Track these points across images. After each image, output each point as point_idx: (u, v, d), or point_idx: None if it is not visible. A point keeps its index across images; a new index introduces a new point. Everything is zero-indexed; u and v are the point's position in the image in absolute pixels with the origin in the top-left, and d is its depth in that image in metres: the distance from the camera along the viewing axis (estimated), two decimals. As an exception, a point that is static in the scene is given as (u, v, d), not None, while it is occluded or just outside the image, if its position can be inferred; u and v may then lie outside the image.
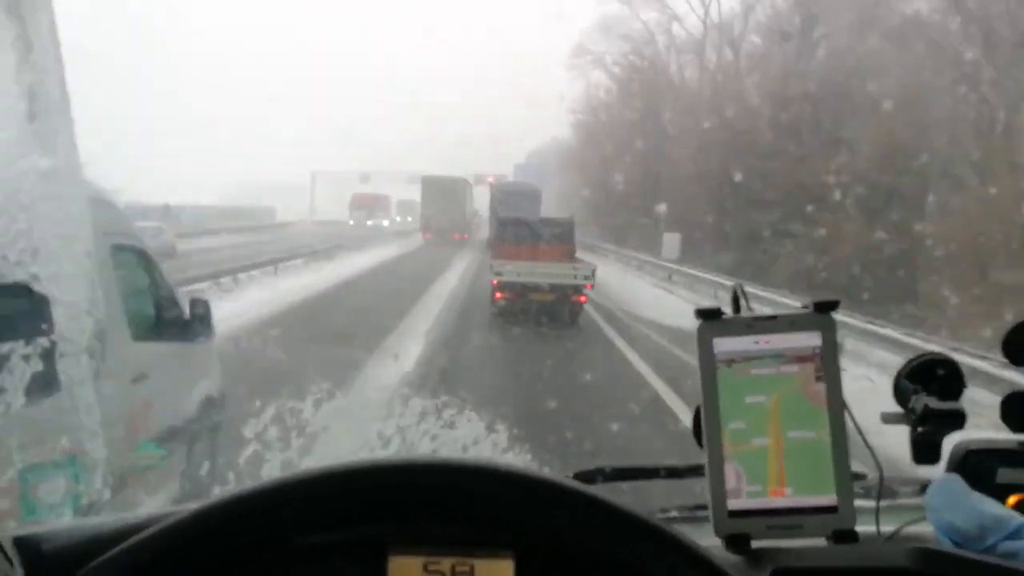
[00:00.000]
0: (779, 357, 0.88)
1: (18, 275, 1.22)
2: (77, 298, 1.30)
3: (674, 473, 1.41)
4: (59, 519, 1.38)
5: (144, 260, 4.08)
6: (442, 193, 41.99)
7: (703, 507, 0.88)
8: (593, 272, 15.69)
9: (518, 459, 1.46)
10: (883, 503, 1.07)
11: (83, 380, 1.39)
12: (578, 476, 1.39)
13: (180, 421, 3.52)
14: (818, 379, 0.88)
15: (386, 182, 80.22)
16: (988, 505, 0.77)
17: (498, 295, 15.65)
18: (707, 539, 0.85)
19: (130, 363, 3.12)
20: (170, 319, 4.04)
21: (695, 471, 1.25)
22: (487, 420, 1.31)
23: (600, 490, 0.80)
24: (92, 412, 1.42)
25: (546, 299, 15.36)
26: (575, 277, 15.55)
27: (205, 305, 4.39)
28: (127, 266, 3.78)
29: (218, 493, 0.70)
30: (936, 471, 0.95)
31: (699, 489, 0.88)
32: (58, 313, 1.26)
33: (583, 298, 15.69)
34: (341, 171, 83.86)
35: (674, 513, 1.32)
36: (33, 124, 1.24)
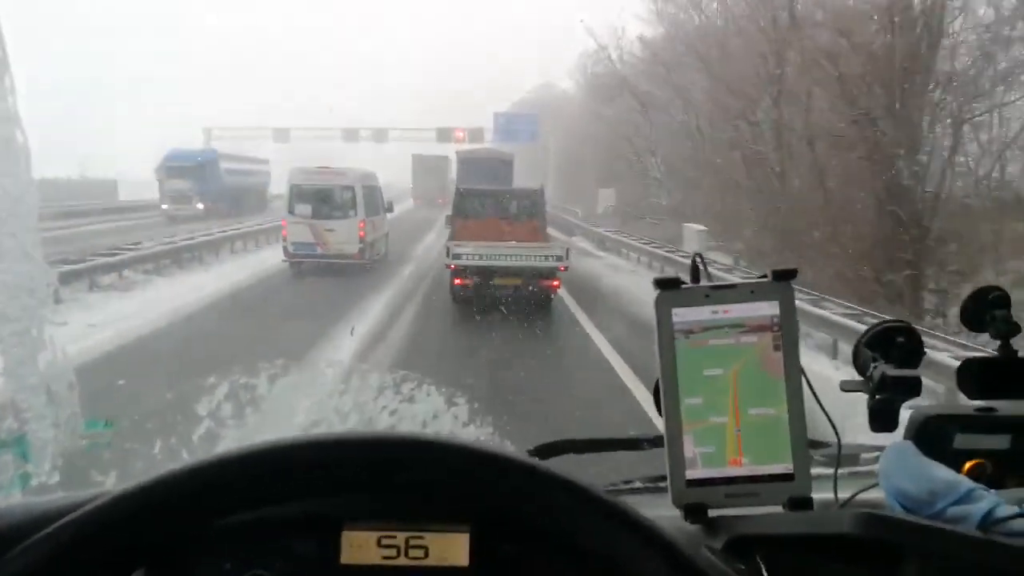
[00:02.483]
0: (738, 327, 0.88)
1: None
2: (17, 277, 1.25)
3: (634, 445, 1.42)
4: (7, 498, 1.34)
5: (380, 191, 21.30)
6: (427, 168, 52.36)
7: (664, 478, 0.89)
8: (567, 252, 14.22)
9: (478, 432, 1.46)
10: (844, 470, 1.09)
11: (26, 360, 1.35)
12: (539, 449, 1.39)
13: (382, 233, 20.56)
14: (776, 348, 0.89)
15: (313, 141, 62.24)
16: (938, 470, 0.78)
17: (457, 280, 13.94)
18: (668, 509, 0.86)
19: (384, 217, 20.75)
20: (383, 206, 20.89)
21: (655, 442, 1.26)
22: (447, 395, 1.31)
23: (560, 463, 0.80)
24: (38, 392, 1.39)
25: (513, 284, 13.85)
26: (546, 259, 13.99)
27: (390, 203, 21.96)
28: (378, 193, 20.80)
29: (167, 467, 0.69)
30: (895, 439, 0.96)
31: (663, 459, 0.89)
32: (-3, 291, 1.22)
33: (556, 283, 14.13)
34: (247, 128, 65.09)
35: (637, 484, 1.33)
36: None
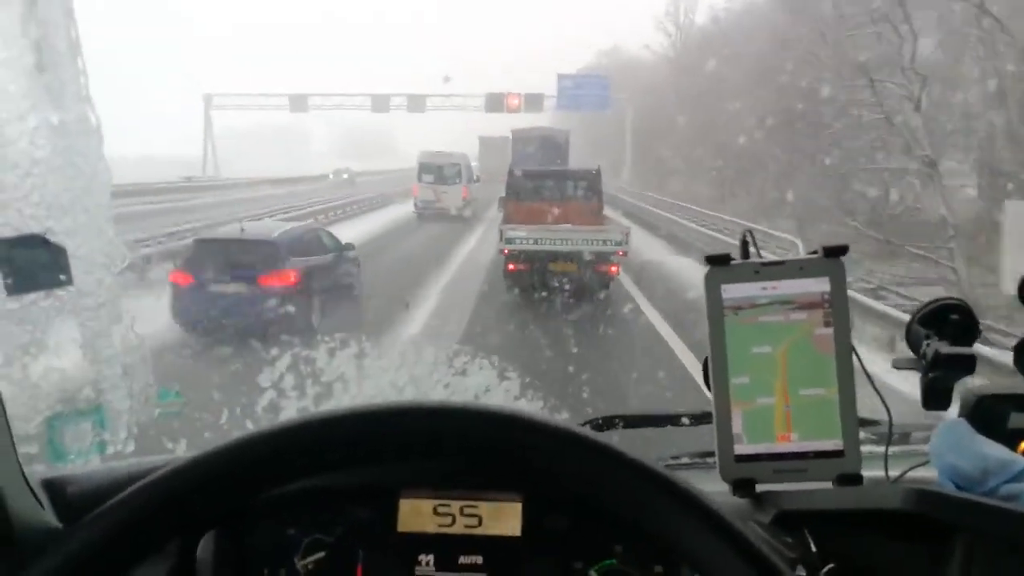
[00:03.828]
0: (788, 303, 0.88)
1: (33, 229, 1.25)
2: (93, 252, 1.33)
3: (684, 420, 1.42)
4: (86, 464, 1.42)
5: (471, 168, 33.58)
6: (492, 149, 53.61)
7: (713, 453, 0.89)
8: (627, 236, 13.50)
9: (530, 406, 1.49)
10: (895, 448, 1.08)
11: (102, 333, 1.43)
12: (589, 424, 1.41)
13: (472, 196, 31.25)
14: (826, 325, 0.88)
15: (334, 111, 57.96)
16: (992, 448, 0.77)
17: (511, 266, 13.42)
18: (715, 484, 0.87)
19: (471, 186, 31.60)
20: (472, 178, 32.34)
21: (704, 418, 1.26)
22: (499, 368, 1.35)
23: (609, 438, 0.82)
24: (113, 364, 1.46)
25: (569, 270, 13.13)
26: (604, 243, 13.29)
27: (478, 176, 34.00)
28: (471, 169, 33.32)
29: (234, 435, 0.72)
30: (949, 417, 0.95)
31: (712, 435, 0.89)
32: (75, 266, 1.29)
33: (615, 268, 13.44)
34: (257, 95, 58.24)
35: (685, 459, 1.34)
36: (42, 77, 1.25)
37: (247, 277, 10.78)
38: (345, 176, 54.22)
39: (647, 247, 21.09)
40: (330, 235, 13.19)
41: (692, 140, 35.60)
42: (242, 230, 12.10)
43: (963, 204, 18.37)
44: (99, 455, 1.49)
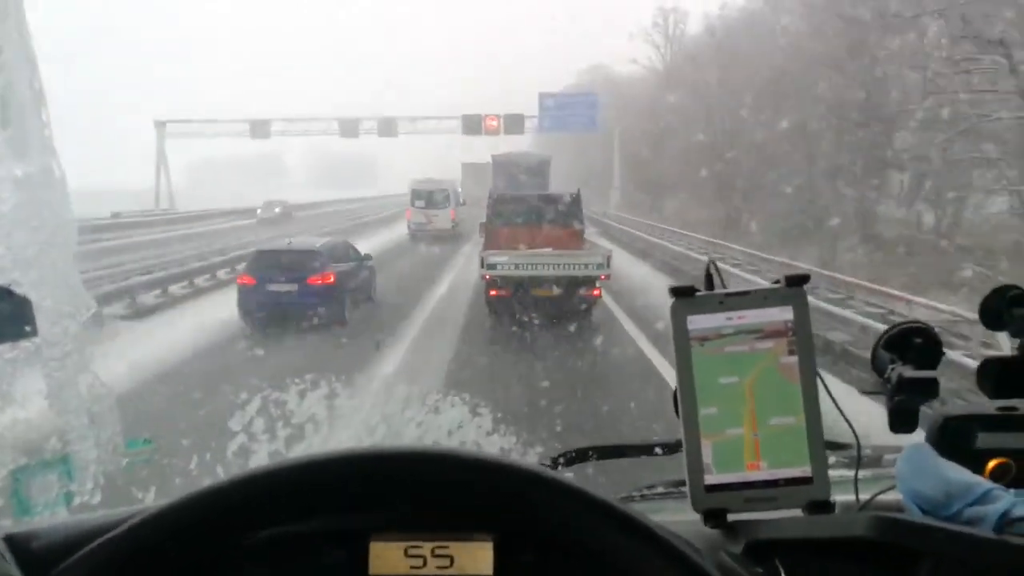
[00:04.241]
0: (753, 332, 0.89)
1: None
2: (59, 303, 1.32)
3: (654, 450, 1.43)
4: (52, 517, 1.40)
5: (459, 193, 37.31)
6: (474, 174, 55.52)
7: (685, 482, 0.90)
8: (608, 259, 13.41)
9: (502, 441, 1.49)
10: (866, 472, 1.09)
11: (68, 382, 1.41)
12: (562, 455, 1.41)
13: (460, 218, 33.40)
14: (791, 352, 0.89)
15: (300, 136, 53.90)
16: (954, 472, 0.78)
17: (492, 292, 13.43)
18: (690, 513, 0.87)
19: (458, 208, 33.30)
20: (459, 202, 35.91)
21: (677, 448, 1.27)
22: (471, 405, 1.35)
23: (583, 470, 0.82)
24: (80, 413, 1.45)
25: (551, 295, 13.12)
26: (586, 267, 13.25)
27: (464, 200, 37.02)
28: (458, 194, 36.59)
29: (203, 484, 0.72)
30: (917, 440, 0.97)
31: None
32: (40, 317, 1.28)
33: (597, 291, 13.42)
34: (215, 120, 54.28)
35: (660, 489, 1.35)
36: (6, 131, 1.26)
37: (298, 278, 14.04)
38: (277, 210, 45.46)
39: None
40: (353, 247, 17.02)
41: (688, 158, 32.79)
42: (289, 243, 16.04)
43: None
44: (66, 507, 1.46)
